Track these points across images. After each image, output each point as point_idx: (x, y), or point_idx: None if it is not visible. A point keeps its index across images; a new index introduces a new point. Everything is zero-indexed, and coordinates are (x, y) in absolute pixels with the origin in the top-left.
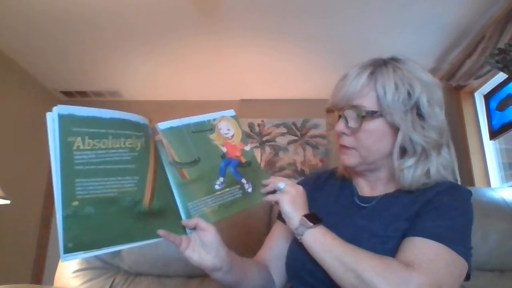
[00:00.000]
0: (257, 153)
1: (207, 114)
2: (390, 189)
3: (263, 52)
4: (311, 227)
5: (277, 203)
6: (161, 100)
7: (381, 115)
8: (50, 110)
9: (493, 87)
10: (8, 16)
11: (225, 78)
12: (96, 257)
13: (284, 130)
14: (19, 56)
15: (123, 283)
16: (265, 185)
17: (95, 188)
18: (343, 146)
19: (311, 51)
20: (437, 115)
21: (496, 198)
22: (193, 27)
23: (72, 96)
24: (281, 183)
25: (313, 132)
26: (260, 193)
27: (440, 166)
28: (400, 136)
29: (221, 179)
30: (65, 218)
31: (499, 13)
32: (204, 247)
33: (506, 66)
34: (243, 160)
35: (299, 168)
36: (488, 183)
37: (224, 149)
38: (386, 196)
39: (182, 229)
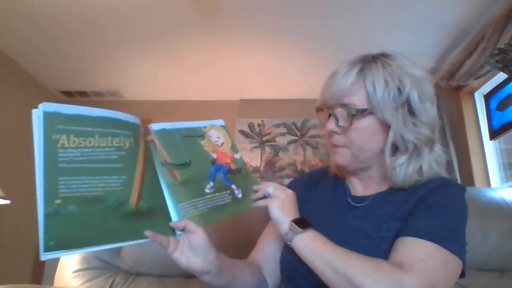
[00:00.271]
0: (257, 153)
1: (197, 122)
2: (383, 187)
3: (263, 52)
4: (300, 232)
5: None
6: (161, 100)
7: (371, 113)
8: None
9: (493, 87)
10: (8, 16)
11: (225, 78)
12: (96, 257)
13: (284, 130)
14: (19, 56)
15: (123, 283)
16: (256, 191)
17: (79, 187)
18: (335, 145)
19: (311, 51)
20: (429, 111)
21: (496, 198)
22: (193, 27)
23: (72, 96)
24: (269, 188)
25: (313, 132)
26: (250, 199)
27: (433, 162)
28: (391, 133)
29: (211, 183)
30: (47, 216)
31: (499, 13)
32: (192, 249)
33: (506, 66)
34: (233, 167)
35: (299, 168)
36: (488, 183)
37: (214, 155)
38: (378, 195)
39: (171, 231)
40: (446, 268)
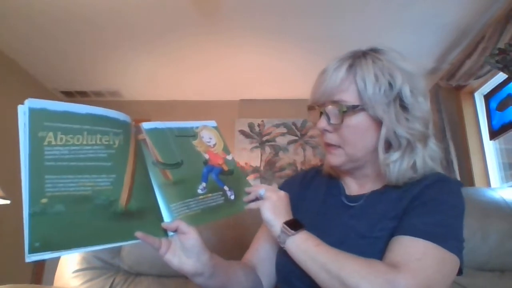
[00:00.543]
0: (257, 153)
1: (189, 122)
2: (378, 185)
3: (263, 52)
4: (292, 235)
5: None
6: (161, 100)
7: (363, 109)
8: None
9: (493, 87)
10: (8, 16)
11: (225, 78)
12: (96, 257)
13: (284, 130)
14: (19, 56)
15: (123, 283)
16: (248, 193)
17: (66, 185)
18: (328, 145)
19: (311, 51)
20: (421, 105)
21: (496, 198)
22: (193, 27)
23: (72, 96)
24: (261, 189)
25: (313, 132)
26: (242, 201)
27: (428, 158)
28: (383, 129)
29: (204, 184)
30: (32, 215)
31: (499, 13)
32: (185, 251)
33: (506, 66)
34: (225, 168)
35: (299, 168)
36: (488, 183)
37: (207, 156)
38: (373, 194)
39: (162, 232)
40: (442, 267)
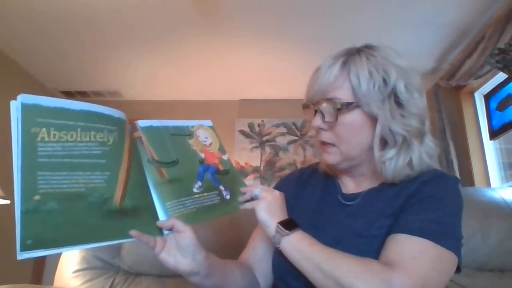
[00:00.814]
0: (257, 153)
1: (185, 121)
2: (375, 183)
3: (263, 52)
4: (287, 235)
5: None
6: (161, 100)
7: (357, 106)
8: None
9: (493, 87)
10: (8, 16)
11: (225, 78)
12: (96, 257)
13: (284, 130)
14: (19, 56)
15: (123, 283)
16: (243, 193)
17: (59, 182)
18: (323, 143)
19: (311, 51)
20: (417, 101)
21: (496, 198)
22: (193, 27)
23: (72, 96)
24: (256, 189)
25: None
26: (238, 201)
27: (424, 154)
28: (379, 126)
29: (199, 183)
30: (24, 212)
31: (499, 13)
32: (180, 250)
33: (506, 66)
34: (221, 168)
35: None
36: (488, 183)
37: (202, 155)
38: (370, 192)
39: (157, 230)
40: (438, 265)
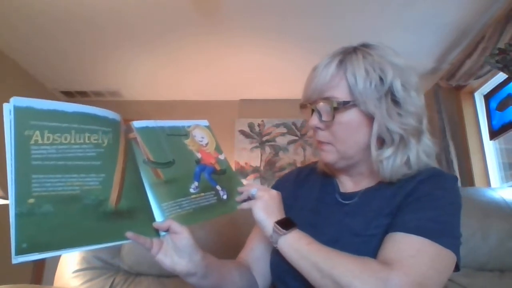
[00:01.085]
0: (257, 153)
1: (181, 121)
2: (373, 182)
3: (263, 52)
4: (284, 234)
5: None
6: (161, 100)
7: (354, 105)
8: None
9: (493, 87)
10: (8, 16)
11: (225, 78)
12: (96, 257)
13: (284, 130)
14: (19, 56)
15: (123, 283)
16: (240, 193)
17: (54, 185)
18: (320, 142)
19: (311, 51)
20: (414, 100)
21: (496, 198)
22: (193, 27)
23: (72, 96)
24: (252, 189)
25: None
26: (235, 201)
27: (422, 153)
28: (375, 125)
29: (196, 183)
30: (19, 216)
31: (499, 13)
32: (177, 251)
33: (506, 66)
34: (218, 167)
35: None
36: (488, 183)
37: (199, 155)
38: (367, 191)
39: (154, 232)
40: (436, 263)
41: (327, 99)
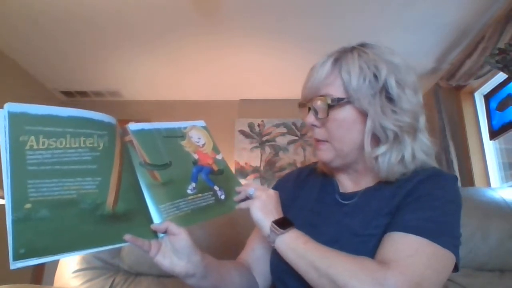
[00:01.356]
0: (257, 153)
1: (177, 122)
2: (372, 182)
3: (263, 52)
4: (281, 233)
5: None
6: (161, 100)
7: (348, 102)
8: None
9: (493, 87)
10: (8, 16)
11: (225, 78)
12: (96, 257)
13: (284, 130)
14: (19, 56)
15: (123, 283)
16: (238, 193)
17: (50, 190)
18: (317, 141)
19: (311, 51)
20: (409, 97)
21: (496, 198)
22: (193, 27)
23: (72, 96)
24: (250, 189)
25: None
26: (233, 201)
27: (419, 151)
28: (369, 122)
29: (193, 184)
30: (15, 221)
31: (499, 13)
32: (175, 252)
33: (506, 66)
34: (215, 168)
35: None
36: (488, 183)
37: (196, 156)
38: (367, 191)
39: (152, 234)
40: (434, 263)
41: (322, 97)
